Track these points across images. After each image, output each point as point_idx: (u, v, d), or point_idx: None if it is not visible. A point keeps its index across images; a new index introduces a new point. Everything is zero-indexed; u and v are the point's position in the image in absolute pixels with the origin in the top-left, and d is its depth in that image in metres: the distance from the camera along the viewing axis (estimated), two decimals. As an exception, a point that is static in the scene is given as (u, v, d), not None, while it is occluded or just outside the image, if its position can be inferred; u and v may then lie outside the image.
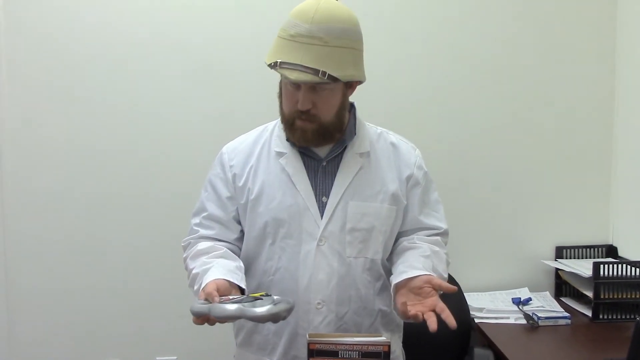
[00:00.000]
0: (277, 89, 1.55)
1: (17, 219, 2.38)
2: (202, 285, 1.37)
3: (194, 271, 1.48)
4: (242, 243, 1.59)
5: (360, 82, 1.54)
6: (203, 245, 1.54)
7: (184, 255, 1.59)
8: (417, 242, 1.55)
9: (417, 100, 2.46)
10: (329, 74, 1.37)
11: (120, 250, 2.41)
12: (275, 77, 1.56)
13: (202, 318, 1.31)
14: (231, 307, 1.30)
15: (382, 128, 1.65)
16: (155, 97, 2.39)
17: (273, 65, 1.42)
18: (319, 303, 1.50)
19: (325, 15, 1.39)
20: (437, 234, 1.59)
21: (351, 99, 1.57)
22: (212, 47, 2.39)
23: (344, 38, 1.40)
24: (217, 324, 1.31)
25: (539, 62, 2.49)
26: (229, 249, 1.55)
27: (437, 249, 1.55)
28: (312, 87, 1.42)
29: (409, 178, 1.58)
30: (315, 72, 1.37)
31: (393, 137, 1.63)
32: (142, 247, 2.41)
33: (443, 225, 1.61)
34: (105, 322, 2.42)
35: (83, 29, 2.34)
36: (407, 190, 1.58)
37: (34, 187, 2.37)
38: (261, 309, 1.31)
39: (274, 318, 1.32)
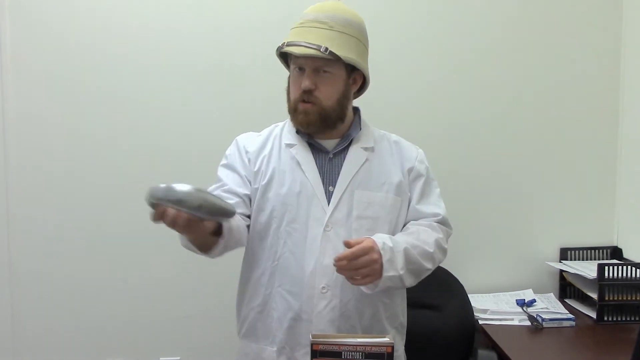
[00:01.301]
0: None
1: (21, 216, 2.38)
2: None
3: None
4: (247, 231, 1.59)
5: (364, 83, 1.61)
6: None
7: None
8: (409, 226, 1.60)
9: (418, 100, 2.46)
10: (330, 51, 1.47)
11: (124, 249, 2.41)
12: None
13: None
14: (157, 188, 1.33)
15: (385, 131, 1.72)
16: (162, 95, 2.39)
17: (280, 47, 1.52)
18: (323, 287, 1.52)
19: (332, 8, 1.54)
20: (434, 221, 1.62)
21: (354, 103, 1.65)
22: (218, 48, 2.39)
23: (348, 26, 1.52)
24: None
25: (543, 62, 2.49)
26: (240, 225, 1.54)
27: (425, 228, 1.58)
28: (316, 70, 1.51)
29: (410, 170, 1.63)
30: (318, 47, 1.47)
31: (395, 137, 1.71)
32: (146, 247, 2.41)
33: (441, 212, 1.63)
34: (109, 322, 2.43)
35: (90, 26, 2.34)
36: (410, 183, 1.63)
37: (39, 184, 2.37)
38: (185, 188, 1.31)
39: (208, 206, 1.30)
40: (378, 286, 1.46)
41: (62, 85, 2.36)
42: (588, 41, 2.49)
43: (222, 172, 1.64)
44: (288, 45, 1.50)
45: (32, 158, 2.37)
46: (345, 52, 1.49)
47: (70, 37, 2.34)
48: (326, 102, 1.53)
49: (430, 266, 1.55)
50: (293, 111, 1.56)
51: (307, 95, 1.52)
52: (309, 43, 1.47)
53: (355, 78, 1.58)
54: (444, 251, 1.60)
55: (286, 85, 1.61)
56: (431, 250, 1.54)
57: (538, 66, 2.49)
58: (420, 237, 1.54)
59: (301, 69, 1.52)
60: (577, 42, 2.49)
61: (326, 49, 1.46)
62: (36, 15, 2.33)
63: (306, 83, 1.51)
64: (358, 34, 1.54)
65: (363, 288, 1.48)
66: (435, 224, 1.61)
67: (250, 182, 1.60)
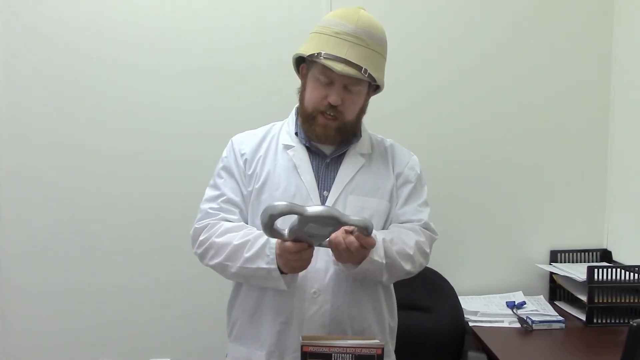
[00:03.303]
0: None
1: (12, 218, 2.36)
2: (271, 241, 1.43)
3: (236, 242, 1.48)
4: None
5: (376, 91, 1.61)
6: (230, 224, 1.54)
7: (202, 237, 1.55)
8: (390, 227, 1.59)
9: (411, 102, 2.46)
10: (369, 73, 1.46)
11: (115, 251, 2.40)
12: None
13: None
14: (320, 207, 1.31)
15: (383, 136, 1.72)
16: (154, 97, 2.38)
17: (316, 56, 1.47)
18: (314, 292, 1.51)
19: (367, 22, 1.50)
20: (417, 225, 1.60)
21: None
22: (212, 48, 2.38)
23: (380, 45, 1.52)
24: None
25: (534, 65, 2.50)
26: None
27: (406, 230, 1.56)
28: (344, 85, 1.49)
29: (398, 175, 1.63)
30: (359, 68, 1.45)
31: (391, 141, 1.70)
32: (138, 248, 2.40)
33: (424, 218, 1.61)
34: (100, 323, 2.41)
35: (82, 28, 2.33)
36: (397, 188, 1.62)
37: (30, 186, 2.36)
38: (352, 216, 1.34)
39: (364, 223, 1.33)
40: (358, 267, 1.43)
41: (56, 88, 2.34)
42: (578, 45, 2.51)
43: (220, 179, 1.62)
44: (326, 57, 1.45)
45: (24, 159, 2.36)
46: (379, 74, 1.51)
47: (63, 40, 2.33)
48: (348, 117, 1.53)
49: (409, 268, 1.52)
50: (311, 119, 1.54)
51: (331, 109, 1.50)
52: (349, 62, 1.44)
53: (370, 91, 1.58)
54: (425, 255, 1.58)
55: (299, 87, 1.58)
56: (411, 252, 1.51)
57: (528, 70, 2.50)
58: (400, 236, 1.52)
59: (330, 82, 1.49)
60: (568, 47, 2.50)
61: (366, 70, 1.46)
62: (28, 17, 2.32)
63: (335, 99, 1.48)
64: (385, 52, 1.54)
65: (341, 265, 1.46)
66: (418, 227, 1.59)
67: (245, 185, 1.59)
